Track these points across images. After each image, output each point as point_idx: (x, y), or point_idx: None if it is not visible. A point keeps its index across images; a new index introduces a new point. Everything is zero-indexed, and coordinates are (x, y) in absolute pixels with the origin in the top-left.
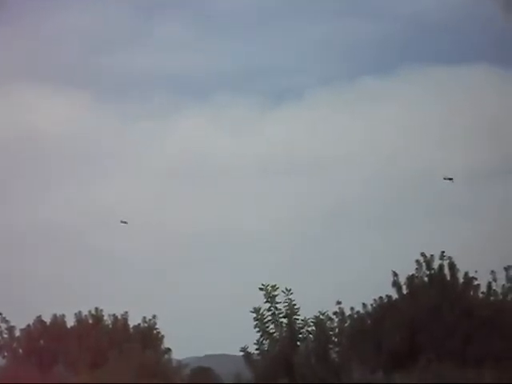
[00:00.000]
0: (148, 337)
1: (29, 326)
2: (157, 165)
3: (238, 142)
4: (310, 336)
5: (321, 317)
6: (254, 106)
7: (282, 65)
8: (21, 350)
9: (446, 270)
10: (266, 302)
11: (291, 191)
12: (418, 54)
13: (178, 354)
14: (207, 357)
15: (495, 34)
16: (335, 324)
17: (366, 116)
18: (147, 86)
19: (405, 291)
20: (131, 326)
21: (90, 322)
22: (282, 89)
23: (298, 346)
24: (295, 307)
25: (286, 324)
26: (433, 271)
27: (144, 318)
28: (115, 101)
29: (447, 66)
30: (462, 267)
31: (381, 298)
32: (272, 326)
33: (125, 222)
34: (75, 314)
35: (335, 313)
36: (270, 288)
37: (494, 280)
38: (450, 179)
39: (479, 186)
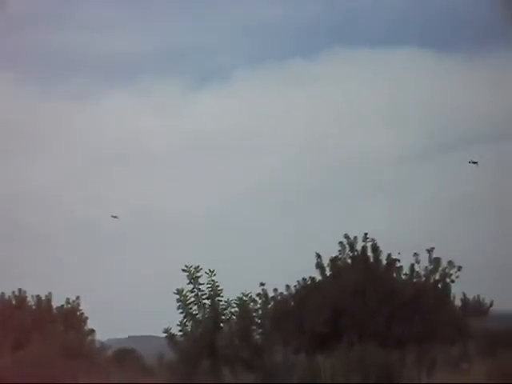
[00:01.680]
0: (71, 318)
1: None
2: (79, 145)
3: (162, 122)
4: (233, 317)
5: (244, 298)
6: (180, 86)
7: (208, 45)
8: None
9: (369, 252)
10: (189, 283)
11: (217, 172)
12: (348, 37)
13: (101, 336)
14: (131, 338)
15: (426, 17)
16: (258, 305)
17: (294, 97)
18: (69, 66)
19: (328, 273)
20: (55, 307)
21: (14, 302)
22: (208, 69)
23: (221, 327)
24: (218, 288)
25: (209, 305)
26: (356, 253)
27: (67, 299)
28: (36, 80)
29: (377, 49)
30: (387, 249)
31: (304, 279)
32: (195, 308)
33: (115, 217)
34: None
35: (258, 294)
36: (193, 269)
37: (417, 262)
38: (475, 163)
39: (408, 167)
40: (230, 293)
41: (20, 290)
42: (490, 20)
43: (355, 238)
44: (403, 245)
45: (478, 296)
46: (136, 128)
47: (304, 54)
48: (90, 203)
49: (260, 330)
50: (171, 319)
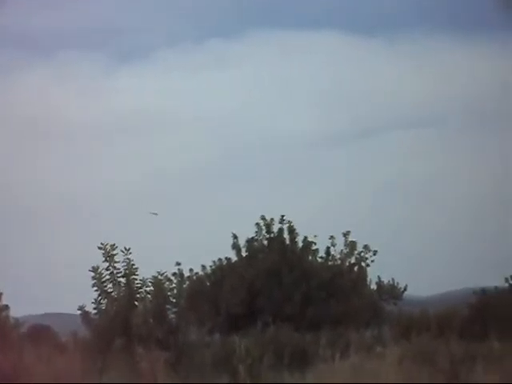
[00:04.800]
0: None
1: None
2: None
3: (82, 101)
4: (148, 296)
5: (159, 277)
6: (100, 65)
7: (127, 24)
8: None
9: (286, 234)
10: (105, 261)
11: (137, 152)
12: (268, 18)
13: (15, 312)
14: (46, 315)
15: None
16: (174, 285)
17: (212, 78)
18: None
19: (244, 254)
20: None
21: None
22: (127, 48)
23: (136, 306)
24: (134, 267)
25: (125, 284)
26: (272, 235)
27: None
28: None
29: (296, 31)
30: (303, 232)
31: (220, 260)
32: (110, 286)
33: (155, 214)
34: None
35: (174, 274)
36: (108, 247)
37: (333, 245)
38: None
39: (327, 150)
40: (146, 271)
41: None
42: (413, 5)
43: (272, 219)
44: (320, 228)
45: (393, 280)
46: (53, 104)
47: (226, 35)
48: (10, 187)
49: (175, 310)
50: (86, 297)
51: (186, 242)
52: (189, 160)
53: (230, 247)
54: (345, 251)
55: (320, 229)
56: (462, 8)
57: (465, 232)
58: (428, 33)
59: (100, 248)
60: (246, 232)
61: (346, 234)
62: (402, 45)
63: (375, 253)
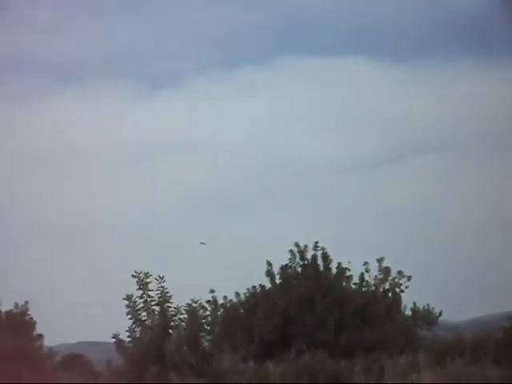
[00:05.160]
0: (20, 323)
1: None
2: (22, 150)
3: (111, 127)
4: (183, 324)
5: (193, 305)
6: (129, 91)
7: (157, 51)
8: None
9: (320, 261)
10: (139, 289)
11: (164, 178)
12: (296, 45)
13: (50, 341)
14: (79, 343)
15: (373, 27)
16: (208, 312)
17: (241, 104)
18: (13, 69)
19: (278, 281)
20: (3, 311)
21: None
22: (158, 75)
23: (170, 333)
24: (168, 295)
25: (159, 311)
26: (306, 261)
27: (16, 303)
28: None
29: (325, 58)
30: (336, 258)
31: (254, 287)
32: (144, 314)
33: (203, 243)
34: None
35: (208, 301)
36: (142, 275)
37: (367, 271)
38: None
39: (353, 176)
40: (180, 299)
41: None
42: (436, 33)
43: (305, 246)
44: (353, 254)
45: (428, 306)
46: (78, 132)
47: (253, 62)
48: (34, 207)
49: (209, 337)
50: (120, 325)
51: (219, 269)
52: (220, 186)
53: (263, 274)
54: (379, 277)
55: (353, 255)
56: (481, 35)
57: (499, 257)
58: (448, 59)
59: (134, 276)
60: (280, 259)
61: (379, 260)
62: (423, 71)
63: (409, 278)
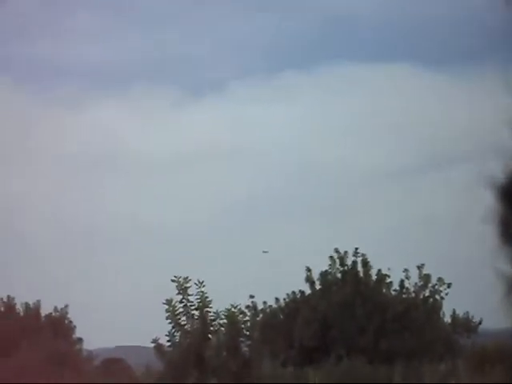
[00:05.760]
0: (59, 326)
1: None
2: (68, 154)
3: (153, 133)
4: (222, 329)
5: (233, 310)
6: (172, 97)
7: (202, 56)
8: None
9: (360, 267)
10: (178, 293)
11: (209, 183)
12: (338, 51)
13: (89, 345)
14: (118, 348)
15: (420, 33)
16: (247, 317)
17: (283, 110)
18: (60, 74)
19: (318, 287)
20: (43, 314)
21: (2, 309)
22: (198, 81)
23: (210, 338)
24: (207, 300)
25: (198, 316)
26: (346, 267)
27: (56, 307)
28: (25, 87)
29: (370, 64)
30: (376, 265)
31: (294, 292)
32: (184, 318)
33: (266, 252)
34: None
35: (248, 306)
36: (182, 280)
37: (407, 278)
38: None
39: (398, 182)
40: (219, 304)
41: (8, 296)
42: (484, 39)
43: (345, 252)
44: (392, 261)
45: (468, 313)
46: (125, 138)
47: (296, 68)
48: (81, 212)
49: (248, 342)
50: (159, 330)
51: (259, 274)
52: (262, 191)
53: (303, 280)
54: (419, 284)
55: (392, 261)
56: None
57: None
58: (499, 65)
59: (173, 281)
60: (320, 265)
61: (420, 267)
62: (470, 78)
63: (449, 285)
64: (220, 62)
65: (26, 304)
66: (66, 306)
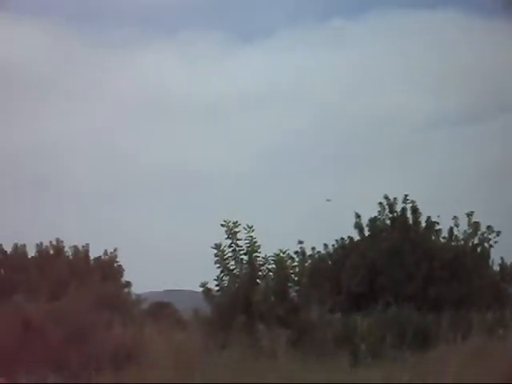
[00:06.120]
0: (108, 270)
1: None
2: (117, 96)
3: (201, 79)
4: (270, 274)
5: (281, 255)
6: (220, 43)
7: (251, 2)
8: None
9: (409, 214)
10: (227, 238)
11: (254, 128)
12: None
13: (137, 289)
14: (166, 292)
15: None
16: (296, 263)
17: (332, 57)
18: (111, 17)
19: (366, 233)
20: (92, 258)
21: (51, 252)
22: (250, 26)
23: (258, 283)
24: (256, 244)
25: (247, 261)
26: (395, 214)
27: (105, 250)
28: (76, 29)
29: (414, 10)
30: (426, 212)
31: (342, 239)
32: (232, 263)
33: (329, 200)
34: (36, 244)
35: (296, 252)
36: (231, 224)
37: (456, 225)
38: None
39: (446, 131)
40: (268, 249)
41: (57, 239)
42: None
43: (395, 199)
44: (442, 208)
45: None
46: (173, 82)
47: (346, 14)
48: (126, 156)
49: (296, 288)
50: (208, 274)
51: (308, 220)
52: (311, 137)
53: (352, 227)
54: (468, 232)
55: (443, 209)
56: None
57: None
58: None
59: (223, 225)
60: (369, 211)
61: (469, 215)
62: None
63: (498, 234)
64: (269, 8)
65: (75, 247)
66: (115, 250)
